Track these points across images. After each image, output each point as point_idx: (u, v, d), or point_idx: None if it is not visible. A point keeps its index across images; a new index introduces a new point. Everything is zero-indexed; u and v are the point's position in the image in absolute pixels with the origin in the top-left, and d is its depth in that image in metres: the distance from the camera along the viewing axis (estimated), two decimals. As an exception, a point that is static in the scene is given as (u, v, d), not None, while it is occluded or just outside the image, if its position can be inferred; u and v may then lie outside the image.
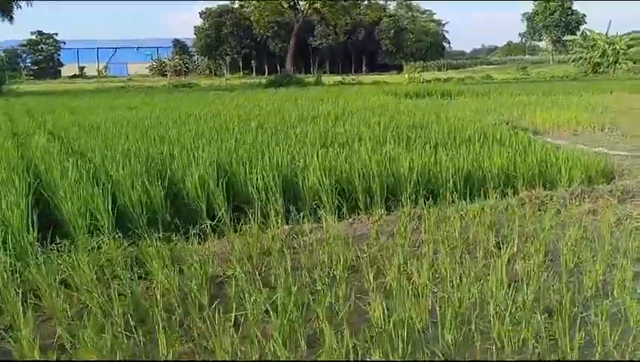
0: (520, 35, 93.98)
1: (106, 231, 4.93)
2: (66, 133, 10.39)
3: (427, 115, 11.31)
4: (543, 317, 3.34)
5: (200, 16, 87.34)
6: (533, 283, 3.87)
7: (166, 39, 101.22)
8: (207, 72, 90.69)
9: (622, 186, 6.86)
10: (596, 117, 14.21)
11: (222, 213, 5.49)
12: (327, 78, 52.29)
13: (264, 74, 76.31)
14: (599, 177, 7.26)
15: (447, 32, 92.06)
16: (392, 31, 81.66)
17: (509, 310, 3.37)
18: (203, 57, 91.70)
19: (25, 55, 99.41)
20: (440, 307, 3.45)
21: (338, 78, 50.67)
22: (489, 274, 3.96)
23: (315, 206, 6.00)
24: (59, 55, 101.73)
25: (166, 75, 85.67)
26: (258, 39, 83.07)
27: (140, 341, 3.21)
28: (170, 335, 3.20)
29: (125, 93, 28.34)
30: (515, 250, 4.82)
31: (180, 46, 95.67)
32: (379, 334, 3.20)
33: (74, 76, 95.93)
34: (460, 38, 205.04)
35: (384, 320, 3.35)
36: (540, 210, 6.27)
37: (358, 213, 6.15)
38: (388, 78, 52.08)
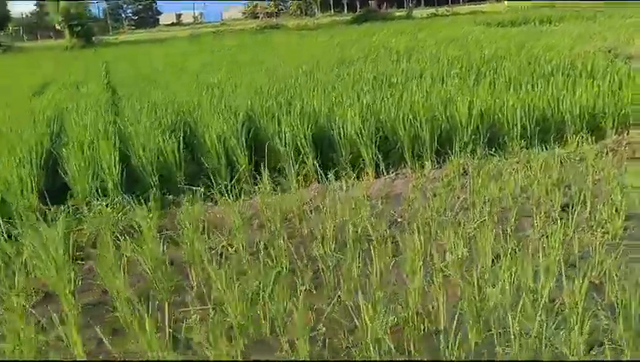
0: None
1: (110, 193, 4.49)
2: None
3: (511, 45, 9.90)
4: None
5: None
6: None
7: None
8: (298, 12, 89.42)
9: None
10: None
11: (242, 172, 4.87)
12: (421, 11, 49.59)
13: (355, 11, 73.79)
14: None
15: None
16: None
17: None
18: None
19: (126, 6, 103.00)
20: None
21: (432, 10, 47.83)
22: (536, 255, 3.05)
23: (351, 160, 5.23)
24: (156, 4, 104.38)
25: (258, 17, 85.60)
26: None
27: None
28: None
29: (210, 39, 28.13)
30: (588, 214, 3.82)
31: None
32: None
33: (172, 24, 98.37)
34: None
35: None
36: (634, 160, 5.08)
37: (404, 167, 5.31)
38: (487, 6, 48.39)
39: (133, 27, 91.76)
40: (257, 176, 4.80)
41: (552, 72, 7.14)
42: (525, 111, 5.61)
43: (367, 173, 5.24)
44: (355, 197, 4.32)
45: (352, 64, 9.47)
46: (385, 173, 5.21)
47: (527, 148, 5.32)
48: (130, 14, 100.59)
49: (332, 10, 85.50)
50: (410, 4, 47.22)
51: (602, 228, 3.58)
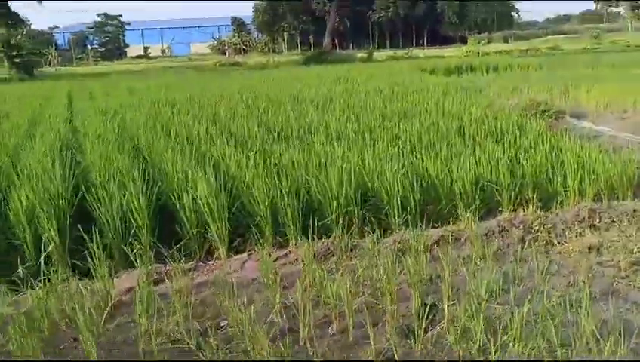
0: (595, 1, 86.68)
1: None
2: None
3: (427, 99, 9.31)
4: None
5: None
6: None
7: (227, 17, 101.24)
8: (266, 49, 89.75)
9: (652, 203, 4.82)
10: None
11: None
12: (381, 54, 49.95)
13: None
14: (625, 188, 5.21)
15: (516, 0, 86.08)
16: (456, 2, 77.19)
17: None
18: (261, 34, 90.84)
19: (92, 37, 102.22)
20: None
21: (391, 52, 48.21)
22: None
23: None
24: (124, 36, 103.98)
25: (225, 53, 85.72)
26: (317, 14, 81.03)
27: None
28: None
29: (160, 75, 27.48)
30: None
31: (238, 24, 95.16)
32: None
33: (138, 57, 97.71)
34: (533, 8, 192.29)
35: None
36: (522, 242, 4.38)
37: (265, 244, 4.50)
38: (446, 51, 48.97)
39: (98, 58, 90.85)
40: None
41: (458, 132, 6.49)
42: (412, 179, 4.90)
43: (219, 251, 4.42)
44: (178, 290, 3.49)
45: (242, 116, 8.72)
46: (239, 252, 4.40)
47: (406, 226, 4.58)
48: (97, 45, 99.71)
49: (299, 49, 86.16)
50: (371, 47, 47.30)
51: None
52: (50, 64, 79.83)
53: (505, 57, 28.98)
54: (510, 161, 5.48)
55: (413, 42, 79.20)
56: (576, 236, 4.40)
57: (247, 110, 8.89)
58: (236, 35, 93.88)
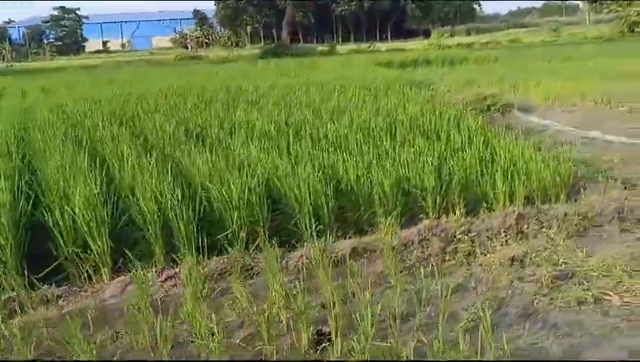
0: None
1: None
2: None
3: (367, 95, 8.85)
4: None
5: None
6: None
7: (189, 11, 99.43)
8: (229, 43, 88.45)
9: (585, 206, 4.45)
10: (609, 87, 11.45)
11: None
12: (345, 47, 49.59)
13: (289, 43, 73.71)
14: (558, 189, 4.84)
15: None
16: (420, -4, 77.27)
17: None
18: (223, 28, 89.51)
19: (48, 32, 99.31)
20: None
21: (354, 46, 47.90)
22: None
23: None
24: (82, 30, 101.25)
25: (187, 47, 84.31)
26: (279, 7, 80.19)
27: None
28: None
29: (112, 70, 26.48)
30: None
31: (200, 17, 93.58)
32: None
33: (97, 51, 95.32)
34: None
35: None
36: (443, 253, 3.97)
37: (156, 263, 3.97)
38: (408, 44, 48.85)
39: (55, 53, 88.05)
40: None
41: (389, 131, 6.04)
42: (328, 184, 4.43)
43: (102, 273, 3.87)
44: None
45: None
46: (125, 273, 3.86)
47: (320, 237, 4.11)
48: (53, 40, 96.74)
49: (262, 42, 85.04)
50: (334, 40, 46.81)
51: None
52: (4, 59, 77.07)
53: (464, 51, 28.83)
54: (440, 161, 5.05)
55: (377, 36, 79.09)
56: (502, 245, 4.00)
57: (172, 108, 8.29)
58: (198, 28, 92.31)
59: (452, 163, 4.90)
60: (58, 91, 14.09)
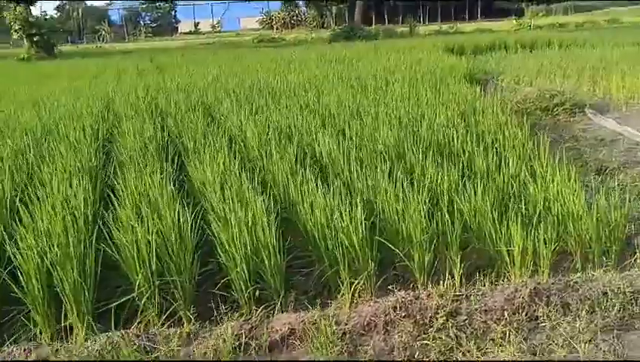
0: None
1: None
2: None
3: (405, 92, 7.54)
4: None
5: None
6: None
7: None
8: (314, 24, 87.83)
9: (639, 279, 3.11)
10: None
11: None
12: (427, 28, 47.39)
13: (371, 24, 72.01)
14: (608, 245, 3.48)
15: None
16: (513, -30, 72.41)
17: None
18: (309, 8, 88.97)
19: (144, 14, 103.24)
20: None
21: (435, 27, 45.60)
22: None
23: None
24: (175, 12, 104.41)
25: (272, 28, 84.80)
26: (364, -14, 78.36)
27: None
28: None
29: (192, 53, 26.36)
30: None
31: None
32: None
33: (189, 32, 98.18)
34: None
35: None
36: (413, 349, 2.82)
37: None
38: (496, 24, 45.78)
39: (150, 35, 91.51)
40: None
41: (397, 148, 4.81)
42: (278, 230, 3.36)
43: None
44: None
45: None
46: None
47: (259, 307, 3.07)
48: (149, 21, 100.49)
49: (347, 23, 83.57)
50: (413, 20, 44.51)
51: None
52: (103, 40, 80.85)
53: (552, 32, 26.29)
54: (450, 198, 3.81)
55: (466, 15, 75.31)
56: (497, 344, 2.77)
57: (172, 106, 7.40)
58: (284, 9, 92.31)
59: (458, 200, 3.65)
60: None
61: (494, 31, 36.22)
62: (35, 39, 28.84)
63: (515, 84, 10.70)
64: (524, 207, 3.72)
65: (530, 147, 4.86)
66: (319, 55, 15.31)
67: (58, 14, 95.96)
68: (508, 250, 3.37)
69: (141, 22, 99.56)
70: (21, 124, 6.77)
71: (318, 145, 4.88)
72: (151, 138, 5.39)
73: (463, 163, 4.50)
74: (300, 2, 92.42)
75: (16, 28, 28.80)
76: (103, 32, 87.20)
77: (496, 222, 3.47)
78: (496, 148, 4.84)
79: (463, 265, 3.33)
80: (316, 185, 3.91)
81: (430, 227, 3.44)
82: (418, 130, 5.24)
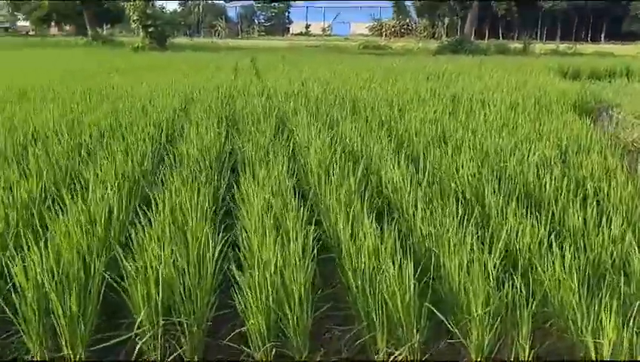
0: None
1: None
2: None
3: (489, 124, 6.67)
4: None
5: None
6: None
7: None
8: (425, 33, 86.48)
9: None
10: None
11: None
12: (543, 46, 44.94)
13: (483, 38, 69.76)
14: None
15: None
16: (646, -9, 67.12)
17: None
18: (421, 18, 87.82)
19: (259, 12, 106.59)
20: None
21: (552, 46, 43.06)
22: None
23: None
24: (289, 13, 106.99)
25: (383, 35, 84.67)
26: (481, -1, 76.13)
27: None
28: None
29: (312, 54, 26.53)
30: None
31: (398, 6, 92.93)
32: None
33: (300, 33, 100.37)
34: None
35: None
36: None
37: None
38: (620, 48, 42.50)
39: (263, 33, 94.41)
40: None
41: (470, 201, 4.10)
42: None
43: None
44: None
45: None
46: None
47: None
48: (263, 20, 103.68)
49: (458, 34, 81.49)
50: (527, 37, 42.33)
51: None
52: (218, 35, 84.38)
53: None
54: (529, 261, 3.11)
55: (589, 36, 70.94)
56: None
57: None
58: (394, 17, 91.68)
59: (539, 265, 2.95)
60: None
61: (617, 55, 33.54)
62: (149, 30, 30.25)
63: (634, 118, 9.47)
64: (623, 284, 2.94)
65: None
66: (420, 67, 14.58)
67: (181, 8, 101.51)
68: (595, 342, 2.64)
69: (255, 20, 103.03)
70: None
71: (385, 174, 4.30)
72: (209, 146, 5.05)
73: (553, 215, 3.74)
74: (412, 11, 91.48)
75: (135, 18, 30.37)
76: (219, 28, 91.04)
77: (583, 300, 2.74)
78: (597, 201, 4.02)
79: (534, 351, 2.64)
80: (371, 222, 3.34)
81: (498, 296, 2.77)
82: (505, 167, 4.51)
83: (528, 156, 4.84)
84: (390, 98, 8.33)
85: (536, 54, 33.89)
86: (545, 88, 10.23)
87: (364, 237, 3.17)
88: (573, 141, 5.68)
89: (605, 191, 4.17)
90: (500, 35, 73.74)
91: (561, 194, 3.96)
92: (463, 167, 4.32)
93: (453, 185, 4.12)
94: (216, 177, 4.39)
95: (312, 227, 3.42)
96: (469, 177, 4.14)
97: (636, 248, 3.26)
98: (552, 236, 3.43)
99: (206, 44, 41.10)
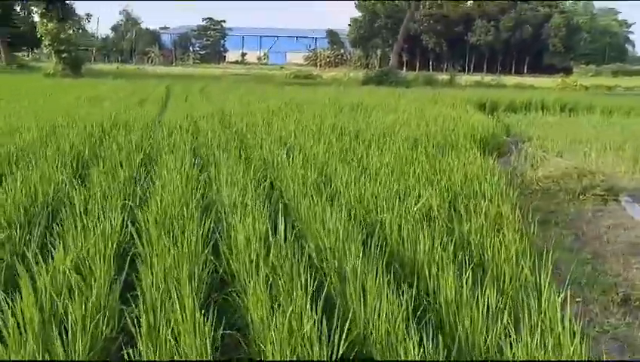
0: None
1: None
2: None
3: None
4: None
5: (355, 6, 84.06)
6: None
7: (323, 30, 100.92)
8: (358, 64, 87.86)
9: None
10: None
11: None
12: (469, 78, 46.16)
13: (415, 69, 71.47)
14: None
15: (631, 32, 77.67)
16: (564, 29, 70.93)
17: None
18: (355, 49, 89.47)
19: (195, 40, 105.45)
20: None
21: (477, 78, 44.27)
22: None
23: None
24: (224, 41, 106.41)
25: (318, 65, 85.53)
26: (411, 33, 78.40)
27: None
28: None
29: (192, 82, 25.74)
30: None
31: (333, 37, 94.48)
32: None
33: (235, 62, 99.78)
34: None
35: None
36: None
37: None
38: (540, 81, 44.11)
39: (198, 61, 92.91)
40: None
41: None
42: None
43: None
44: None
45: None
46: None
47: None
48: (198, 48, 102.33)
49: (403, 67, 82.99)
50: (455, 70, 43.41)
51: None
52: (151, 62, 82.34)
53: (598, 96, 24.65)
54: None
55: (512, 69, 73.92)
56: None
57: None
58: (329, 48, 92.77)
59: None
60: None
61: (536, 87, 34.69)
62: (63, 56, 28.69)
63: (542, 152, 9.24)
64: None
65: (528, 265, 3.42)
66: (334, 99, 14.13)
67: (113, 33, 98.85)
68: None
69: (190, 48, 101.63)
70: None
71: (234, 230, 3.59)
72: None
73: (424, 285, 3.14)
74: (346, 42, 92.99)
75: (46, 43, 28.75)
76: (153, 55, 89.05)
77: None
78: (475, 264, 3.45)
79: None
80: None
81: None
82: (381, 225, 3.89)
83: (414, 206, 4.26)
84: (290, 133, 7.71)
85: (462, 86, 34.58)
86: (457, 122, 9.91)
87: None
88: (468, 185, 5.19)
89: (487, 250, 3.62)
90: (431, 67, 75.78)
91: (435, 259, 3.36)
92: (329, 220, 3.67)
93: (312, 244, 3.46)
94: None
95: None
96: (333, 235, 3.49)
97: (513, 329, 2.69)
98: (420, 313, 2.82)
99: (132, 71, 39.76)
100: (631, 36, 77.42)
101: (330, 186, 4.95)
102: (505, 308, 2.84)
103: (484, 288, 2.91)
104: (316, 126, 8.23)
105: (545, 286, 2.98)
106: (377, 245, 3.37)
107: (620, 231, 5.50)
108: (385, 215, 3.96)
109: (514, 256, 3.38)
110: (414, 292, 2.98)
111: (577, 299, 3.62)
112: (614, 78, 56.48)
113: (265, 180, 5.22)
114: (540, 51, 74.64)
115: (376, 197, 4.34)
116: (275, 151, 6.18)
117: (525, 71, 73.73)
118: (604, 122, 13.29)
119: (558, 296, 2.83)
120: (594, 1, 79.20)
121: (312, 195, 4.22)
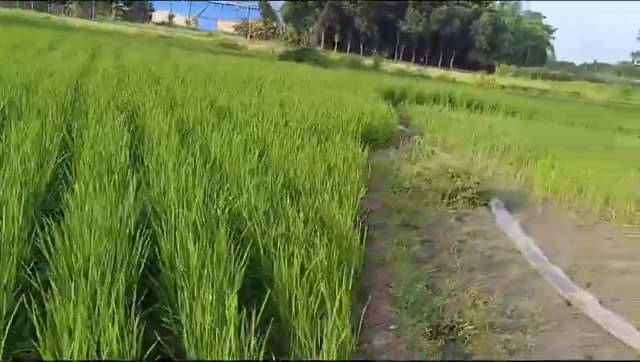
0: (633, 54, 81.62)
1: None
2: None
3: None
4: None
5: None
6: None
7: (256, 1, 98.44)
8: (290, 40, 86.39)
9: None
10: None
11: None
12: (395, 65, 46.39)
13: (346, 51, 71.04)
14: None
15: (553, 38, 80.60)
16: (490, 28, 72.79)
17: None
18: (287, 24, 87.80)
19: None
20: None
21: (403, 66, 44.53)
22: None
23: None
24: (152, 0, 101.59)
25: (249, 36, 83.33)
26: (345, 14, 78.01)
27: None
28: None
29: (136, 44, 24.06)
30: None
31: (266, 9, 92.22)
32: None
33: (162, 23, 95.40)
34: (572, 48, 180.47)
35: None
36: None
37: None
38: (462, 75, 44.93)
39: (120, 17, 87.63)
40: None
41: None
42: None
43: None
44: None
45: None
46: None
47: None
48: (122, 4, 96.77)
49: (321, 46, 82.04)
50: (382, 55, 43.32)
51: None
52: (68, 13, 76.96)
53: (510, 95, 25.17)
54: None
55: (440, 61, 75.01)
56: None
57: None
58: (261, 20, 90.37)
59: None
60: None
61: (458, 82, 35.28)
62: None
63: (431, 147, 8.93)
64: None
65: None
66: (234, 71, 13.31)
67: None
68: None
69: (113, 3, 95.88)
70: None
71: None
72: None
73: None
74: (279, 16, 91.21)
75: None
76: (71, 6, 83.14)
77: None
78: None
79: None
80: None
81: None
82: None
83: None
84: (142, 100, 6.89)
85: (386, 72, 34.50)
86: (347, 108, 9.39)
87: None
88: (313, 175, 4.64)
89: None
90: (361, 51, 75.54)
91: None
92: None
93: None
94: None
95: None
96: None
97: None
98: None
99: (38, 19, 36.88)
100: (552, 42, 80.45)
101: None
102: None
103: None
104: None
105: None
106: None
107: (478, 241, 5.16)
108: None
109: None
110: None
111: (391, 327, 3.16)
112: (533, 80, 58.57)
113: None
114: (467, 47, 76.35)
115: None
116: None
117: (451, 65, 75.23)
118: (503, 122, 13.26)
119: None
120: (523, 1, 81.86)
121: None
